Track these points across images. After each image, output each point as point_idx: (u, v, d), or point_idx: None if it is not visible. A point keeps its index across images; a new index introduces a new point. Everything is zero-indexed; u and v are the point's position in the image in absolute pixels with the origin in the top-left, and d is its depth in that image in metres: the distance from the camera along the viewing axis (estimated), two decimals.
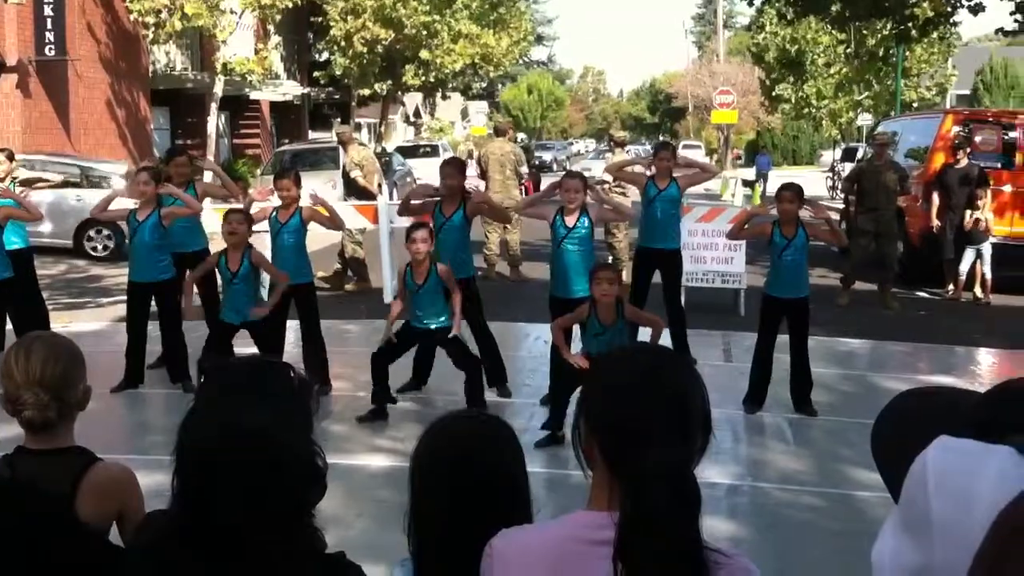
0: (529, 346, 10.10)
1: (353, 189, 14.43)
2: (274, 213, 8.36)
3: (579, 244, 7.76)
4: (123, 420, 7.63)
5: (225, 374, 2.02)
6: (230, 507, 1.78)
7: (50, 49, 21.31)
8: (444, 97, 49.44)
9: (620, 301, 6.78)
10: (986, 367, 10.06)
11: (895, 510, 1.42)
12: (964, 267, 13.69)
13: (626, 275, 9.72)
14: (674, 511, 1.62)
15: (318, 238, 17.10)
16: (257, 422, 1.83)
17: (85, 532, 2.12)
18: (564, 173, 8.47)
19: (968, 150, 14.03)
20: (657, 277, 9.42)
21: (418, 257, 7.25)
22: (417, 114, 58.45)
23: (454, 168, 8.21)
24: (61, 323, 11.21)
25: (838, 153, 37.78)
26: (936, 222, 13.90)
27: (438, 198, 8.17)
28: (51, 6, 21.11)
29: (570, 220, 7.76)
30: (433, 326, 7.39)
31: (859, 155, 25.52)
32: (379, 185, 14.58)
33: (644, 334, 7.10)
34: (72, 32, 22.12)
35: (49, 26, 21.20)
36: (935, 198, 13.98)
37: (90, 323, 11.50)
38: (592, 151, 60.88)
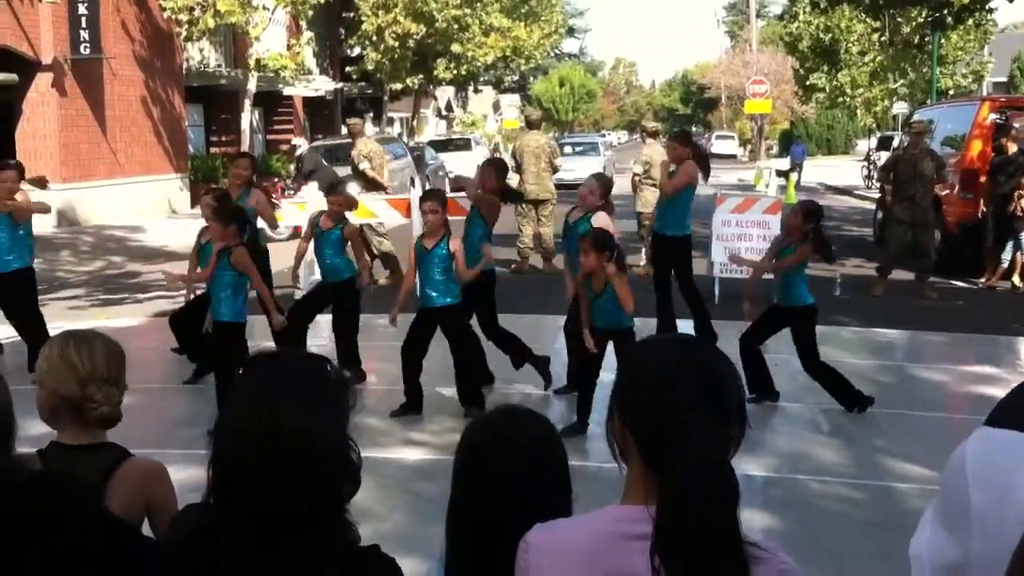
0: (563, 339, 10.09)
1: (364, 180, 14.42)
2: (318, 219, 8.54)
3: None
4: (159, 415, 7.69)
5: (261, 368, 2.02)
6: (265, 501, 1.78)
7: (85, 48, 21.49)
8: (476, 91, 49.54)
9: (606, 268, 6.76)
10: None
11: (934, 502, 1.40)
12: (1006, 255, 13.55)
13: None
14: (713, 503, 1.60)
15: None
16: (293, 417, 1.83)
17: (117, 524, 2.13)
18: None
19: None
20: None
21: (429, 228, 7.40)
22: (449, 108, 58.53)
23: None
24: (101, 318, 11.32)
25: (873, 142, 37.45)
26: (984, 209, 13.77)
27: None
28: (85, 5, 21.28)
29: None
30: (438, 304, 7.37)
31: (895, 144, 25.31)
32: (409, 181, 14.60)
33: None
34: (106, 30, 22.28)
35: (83, 24, 21.37)
36: (985, 185, 13.85)
37: (127, 320, 11.60)
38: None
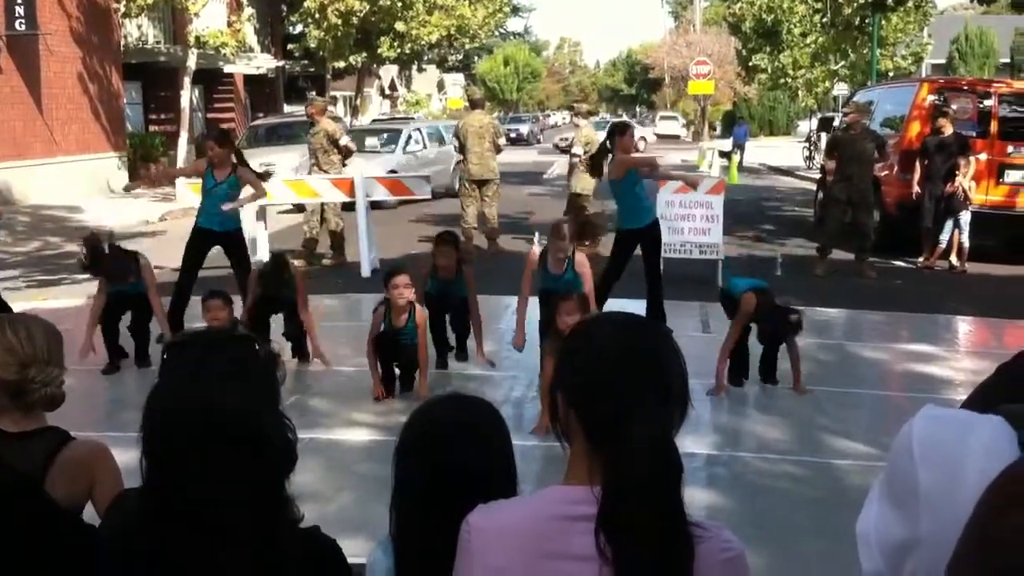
0: (509, 318, 10.08)
1: (346, 153, 14.36)
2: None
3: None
4: (98, 397, 7.58)
5: (188, 349, 2.00)
6: (200, 483, 1.77)
7: (20, 24, 21.06)
8: (420, 70, 49.32)
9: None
10: (962, 335, 10.12)
11: (880, 480, 1.40)
12: (944, 236, 13.77)
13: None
14: (657, 481, 1.61)
15: (283, 217, 17.09)
16: (223, 397, 1.81)
17: (56, 512, 2.10)
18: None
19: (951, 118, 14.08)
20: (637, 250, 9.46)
21: (399, 303, 7.14)
22: (393, 87, 58.16)
23: (451, 247, 8.04)
24: (38, 300, 11.12)
25: (814, 123, 37.82)
26: (917, 189, 13.96)
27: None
28: None
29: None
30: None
31: (835, 124, 25.62)
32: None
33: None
34: (42, 6, 21.86)
35: (19, 0, 20.93)
36: (917, 166, 14.04)
37: (65, 300, 11.41)
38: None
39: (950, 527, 1.18)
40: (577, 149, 14.98)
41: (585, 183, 14.74)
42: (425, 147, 24.76)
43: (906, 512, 1.31)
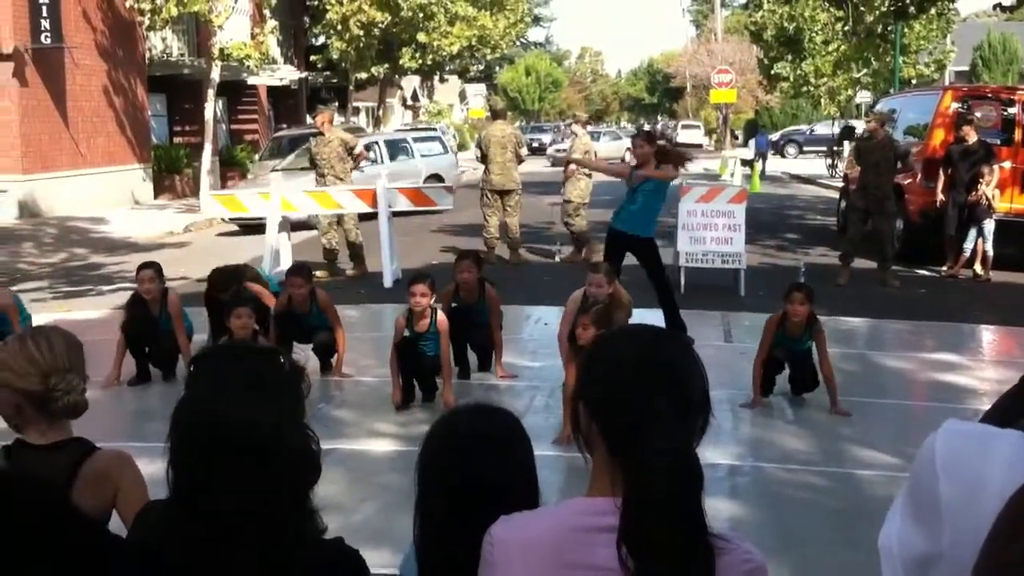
0: (531, 328, 10.11)
1: (360, 161, 14.43)
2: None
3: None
4: (125, 408, 7.63)
5: (215, 362, 2.02)
6: (226, 495, 1.78)
7: (46, 37, 21.24)
8: (442, 80, 49.45)
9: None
10: (986, 344, 10.06)
11: (902, 494, 1.41)
12: (968, 244, 13.68)
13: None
14: (678, 492, 1.61)
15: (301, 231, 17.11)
16: (248, 410, 1.83)
17: (83, 522, 2.12)
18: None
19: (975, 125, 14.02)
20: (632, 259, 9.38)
21: (417, 309, 7.22)
22: (415, 97, 58.33)
23: (471, 261, 8.08)
24: (62, 311, 11.21)
25: (836, 128, 37.61)
26: (941, 197, 13.89)
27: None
28: None
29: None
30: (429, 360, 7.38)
31: (857, 132, 25.48)
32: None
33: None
34: (68, 19, 22.03)
35: (45, 13, 21.12)
36: (940, 174, 13.97)
37: (90, 312, 11.50)
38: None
39: (971, 541, 1.18)
40: (576, 156, 14.98)
41: (580, 191, 14.81)
42: (381, 162, 22.26)
43: (928, 526, 1.31)
